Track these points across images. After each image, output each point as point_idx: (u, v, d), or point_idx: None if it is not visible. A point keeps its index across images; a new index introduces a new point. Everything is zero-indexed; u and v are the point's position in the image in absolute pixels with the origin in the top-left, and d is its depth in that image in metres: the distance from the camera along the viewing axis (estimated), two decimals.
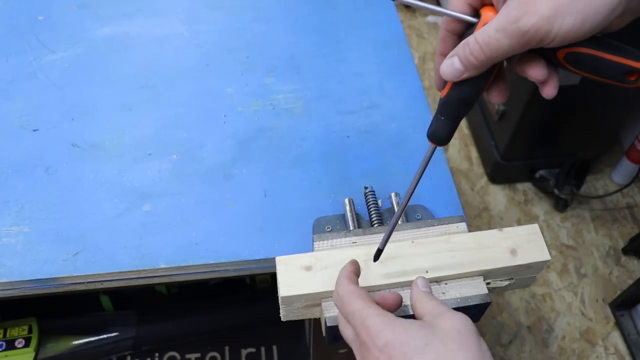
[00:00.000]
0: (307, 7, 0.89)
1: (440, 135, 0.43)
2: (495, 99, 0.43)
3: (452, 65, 0.39)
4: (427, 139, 0.44)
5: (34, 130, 0.70)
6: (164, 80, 0.77)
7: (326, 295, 0.51)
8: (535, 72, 0.39)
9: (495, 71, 0.40)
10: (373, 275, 0.52)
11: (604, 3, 0.34)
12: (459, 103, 0.41)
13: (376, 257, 0.51)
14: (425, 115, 0.74)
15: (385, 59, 0.82)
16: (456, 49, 0.39)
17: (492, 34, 0.36)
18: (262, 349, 0.96)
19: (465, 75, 0.39)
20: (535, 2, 0.35)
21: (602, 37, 0.37)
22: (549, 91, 0.40)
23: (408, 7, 2.10)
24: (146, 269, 0.58)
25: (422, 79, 1.51)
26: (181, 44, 0.82)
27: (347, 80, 0.78)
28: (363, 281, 0.51)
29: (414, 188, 0.47)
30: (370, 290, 0.52)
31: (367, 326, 0.41)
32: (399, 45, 0.84)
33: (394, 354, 0.39)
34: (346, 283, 0.46)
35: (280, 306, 0.52)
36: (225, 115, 0.73)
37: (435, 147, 0.44)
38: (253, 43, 0.83)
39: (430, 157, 0.45)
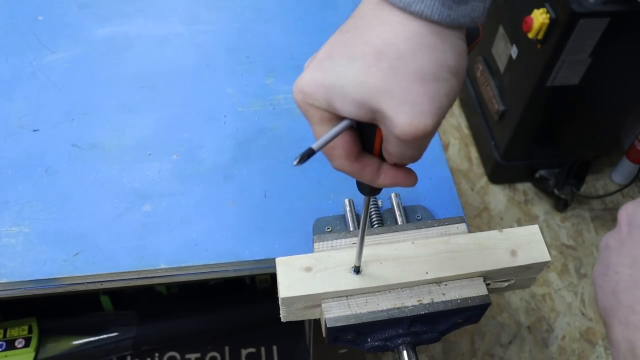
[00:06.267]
0: (307, 7, 0.89)
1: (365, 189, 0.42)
2: None
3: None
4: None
5: (34, 131, 0.70)
6: (164, 80, 0.77)
7: (326, 296, 0.51)
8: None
9: None
10: (372, 276, 0.52)
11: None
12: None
13: (356, 271, 0.51)
14: None
15: None
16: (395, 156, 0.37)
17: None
18: (262, 349, 0.96)
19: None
20: None
21: None
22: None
23: None
24: (146, 269, 0.58)
25: None
26: (181, 44, 0.82)
27: None
28: (361, 283, 0.51)
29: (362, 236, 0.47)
30: (369, 291, 0.52)
31: None
32: None
33: None
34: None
35: (280, 307, 0.52)
36: (225, 116, 0.73)
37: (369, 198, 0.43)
38: (253, 43, 0.83)
39: (368, 207, 0.44)
